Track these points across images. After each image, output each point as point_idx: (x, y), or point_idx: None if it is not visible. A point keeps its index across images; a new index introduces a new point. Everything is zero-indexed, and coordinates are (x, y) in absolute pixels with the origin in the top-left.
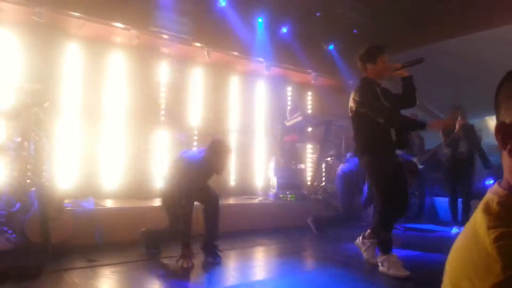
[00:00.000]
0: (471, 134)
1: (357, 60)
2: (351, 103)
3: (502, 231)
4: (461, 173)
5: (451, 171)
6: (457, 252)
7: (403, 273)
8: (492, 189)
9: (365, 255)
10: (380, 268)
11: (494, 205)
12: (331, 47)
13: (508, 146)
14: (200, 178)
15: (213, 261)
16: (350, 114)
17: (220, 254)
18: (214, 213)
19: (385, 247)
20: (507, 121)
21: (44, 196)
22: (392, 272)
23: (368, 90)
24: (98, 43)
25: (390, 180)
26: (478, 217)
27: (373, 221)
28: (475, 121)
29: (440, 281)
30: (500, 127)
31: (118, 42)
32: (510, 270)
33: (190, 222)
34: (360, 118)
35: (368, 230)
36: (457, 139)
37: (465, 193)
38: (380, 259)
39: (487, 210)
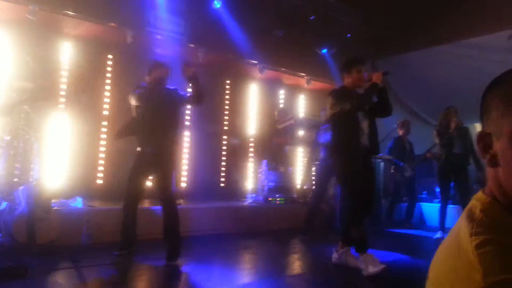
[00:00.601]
0: (466, 136)
1: (339, 71)
2: (327, 106)
3: (484, 239)
4: (455, 176)
5: (445, 174)
6: (440, 258)
7: (381, 266)
8: (476, 196)
9: (350, 265)
10: (364, 272)
11: (477, 212)
12: (324, 50)
13: (488, 156)
14: (149, 109)
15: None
16: (328, 117)
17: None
18: (171, 216)
19: (360, 245)
20: (488, 130)
21: (31, 196)
22: (371, 270)
23: (341, 93)
24: (93, 43)
25: (358, 180)
26: (462, 224)
27: (342, 230)
28: None
29: (423, 287)
30: (480, 136)
31: (112, 42)
32: (490, 278)
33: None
34: (333, 121)
35: (340, 242)
36: (452, 139)
37: (462, 199)
38: (359, 261)
39: (470, 216)
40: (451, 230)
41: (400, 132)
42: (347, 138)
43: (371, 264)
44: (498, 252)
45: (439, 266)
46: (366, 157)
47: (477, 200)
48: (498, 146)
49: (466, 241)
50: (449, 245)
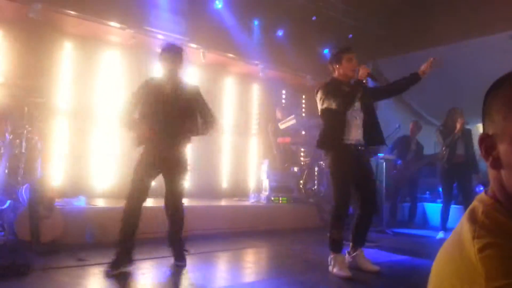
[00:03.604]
0: (469, 137)
1: (328, 65)
2: (317, 102)
3: (486, 242)
4: (459, 177)
5: (448, 174)
6: (442, 261)
7: (346, 273)
8: (479, 197)
9: (363, 267)
10: (329, 267)
11: (479, 214)
12: (326, 51)
13: (490, 158)
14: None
15: (178, 263)
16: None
17: (184, 256)
18: (175, 209)
19: (335, 246)
20: (490, 133)
21: (34, 194)
22: (335, 270)
23: (331, 87)
24: (93, 42)
25: (346, 179)
26: (464, 226)
27: (352, 232)
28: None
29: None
30: (483, 138)
31: (113, 41)
32: (493, 282)
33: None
34: (322, 115)
35: (350, 244)
36: (456, 139)
37: (465, 199)
38: (329, 257)
39: (473, 219)
40: (453, 231)
41: (410, 133)
42: (332, 134)
43: (338, 265)
44: (500, 256)
45: (441, 268)
46: (360, 153)
47: (479, 202)
48: (501, 148)
49: (468, 243)
50: (451, 247)
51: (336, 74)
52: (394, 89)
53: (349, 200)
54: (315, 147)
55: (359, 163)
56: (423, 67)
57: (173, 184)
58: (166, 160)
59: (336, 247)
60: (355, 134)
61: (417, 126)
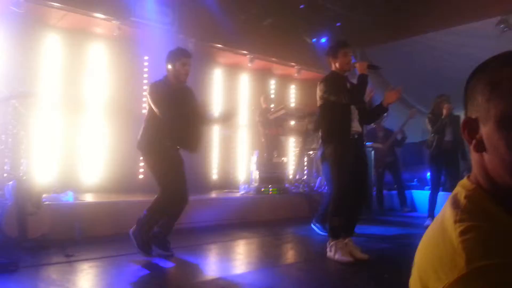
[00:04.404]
0: (457, 124)
1: (326, 57)
2: (318, 93)
3: (468, 225)
4: (447, 163)
5: (436, 160)
6: (425, 245)
7: (347, 258)
8: (461, 183)
9: (353, 255)
10: (328, 253)
11: (461, 199)
12: (314, 40)
13: (473, 141)
14: (172, 98)
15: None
16: (318, 104)
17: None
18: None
19: (335, 233)
20: (473, 116)
21: (21, 190)
22: (337, 257)
23: (334, 80)
24: (79, 34)
25: (348, 169)
26: (446, 211)
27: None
28: None
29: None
30: (466, 122)
31: (99, 33)
32: (473, 263)
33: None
34: (325, 107)
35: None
36: (444, 125)
37: (453, 186)
38: (328, 244)
39: (455, 204)
40: (436, 217)
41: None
42: (337, 125)
43: (340, 251)
44: (481, 238)
45: (424, 252)
46: (358, 143)
47: (462, 187)
48: (484, 130)
49: (450, 227)
50: (434, 231)
51: (333, 67)
52: (366, 119)
53: (350, 189)
54: (323, 140)
55: (356, 154)
56: (386, 99)
57: None
58: None
59: (336, 233)
60: (356, 125)
61: None
